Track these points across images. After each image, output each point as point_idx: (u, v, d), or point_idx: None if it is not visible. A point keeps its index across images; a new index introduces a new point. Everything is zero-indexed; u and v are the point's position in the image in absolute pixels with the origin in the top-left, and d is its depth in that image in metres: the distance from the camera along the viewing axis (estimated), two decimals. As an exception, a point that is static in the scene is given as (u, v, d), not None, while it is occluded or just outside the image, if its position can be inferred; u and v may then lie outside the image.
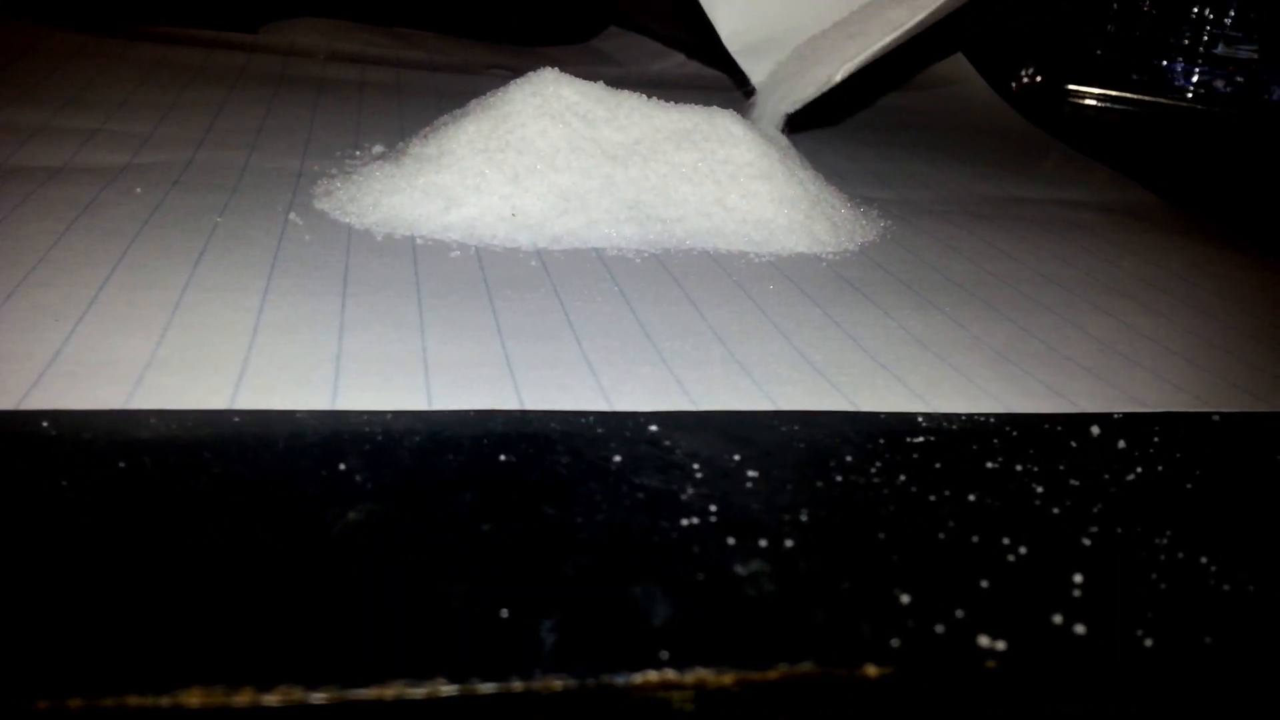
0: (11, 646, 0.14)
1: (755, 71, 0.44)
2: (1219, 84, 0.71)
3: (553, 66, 0.36)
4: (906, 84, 0.65)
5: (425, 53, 0.60)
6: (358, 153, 0.39)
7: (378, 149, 0.39)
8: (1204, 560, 0.19)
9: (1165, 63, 0.73)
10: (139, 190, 0.33)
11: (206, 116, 0.42)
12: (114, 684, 0.14)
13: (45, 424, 0.19)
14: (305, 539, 0.17)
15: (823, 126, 0.39)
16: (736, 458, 0.21)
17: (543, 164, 0.33)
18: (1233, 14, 0.72)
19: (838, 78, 0.36)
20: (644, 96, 0.36)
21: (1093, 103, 0.69)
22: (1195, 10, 0.73)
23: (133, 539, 0.17)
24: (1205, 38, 0.72)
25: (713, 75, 0.61)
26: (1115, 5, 0.74)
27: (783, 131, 0.39)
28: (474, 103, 0.37)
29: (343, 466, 0.19)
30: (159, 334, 0.23)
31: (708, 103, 0.37)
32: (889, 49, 0.38)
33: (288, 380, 0.22)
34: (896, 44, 0.38)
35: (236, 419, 0.20)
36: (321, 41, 0.59)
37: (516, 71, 0.37)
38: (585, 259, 0.32)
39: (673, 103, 0.37)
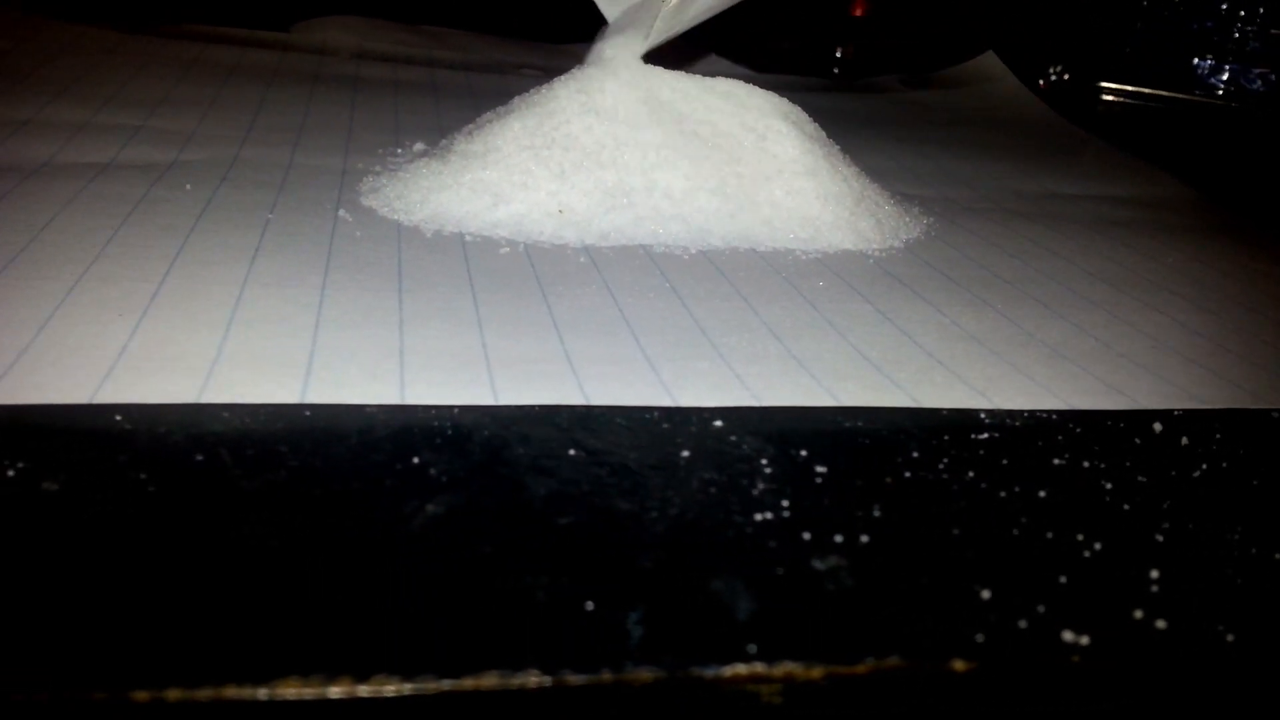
0: (108, 639, 0.14)
1: (611, 12, 0.43)
2: (1249, 81, 0.71)
3: (590, 64, 0.36)
4: (940, 82, 0.65)
5: (456, 51, 0.60)
6: (399, 150, 0.40)
7: (419, 146, 0.39)
8: (1278, 556, 0.19)
9: (1195, 60, 0.72)
10: (188, 186, 0.33)
11: (247, 114, 0.42)
12: (211, 675, 0.14)
13: (119, 418, 0.20)
14: (388, 531, 0.17)
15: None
16: (804, 453, 0.21)
17: (589, 161, 0.34)
18: (1263, 11, 0.72)
19: (671, 2, 0.35)
20: (687, 93, 0.36)
21: (1122, 100, 0.69)
22: (1225, 7, 0.72)
23: (220, 532, 0.17)
24: (1236, 35, 0.71)
25: (742, 71, 0.61)
26: (1145, 3, 0.73)
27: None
28: (518, 99, 0.37)
29: (416, 460, 0.19)
30: (224, 328, 0.23)
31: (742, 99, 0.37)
32: None
33: (354, 374, 0.22)
34: None
35: (309, 413, 0.20)
36: (353, 40, 0.59)
37: (547, 70, 0.37)
38: (634, 255, 0.32)
39: (715, 99, 0.37)
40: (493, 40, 0.65)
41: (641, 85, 0.36)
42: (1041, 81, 0.70)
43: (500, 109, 0.37)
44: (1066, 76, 0.71)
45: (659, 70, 0.36)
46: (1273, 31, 0.70)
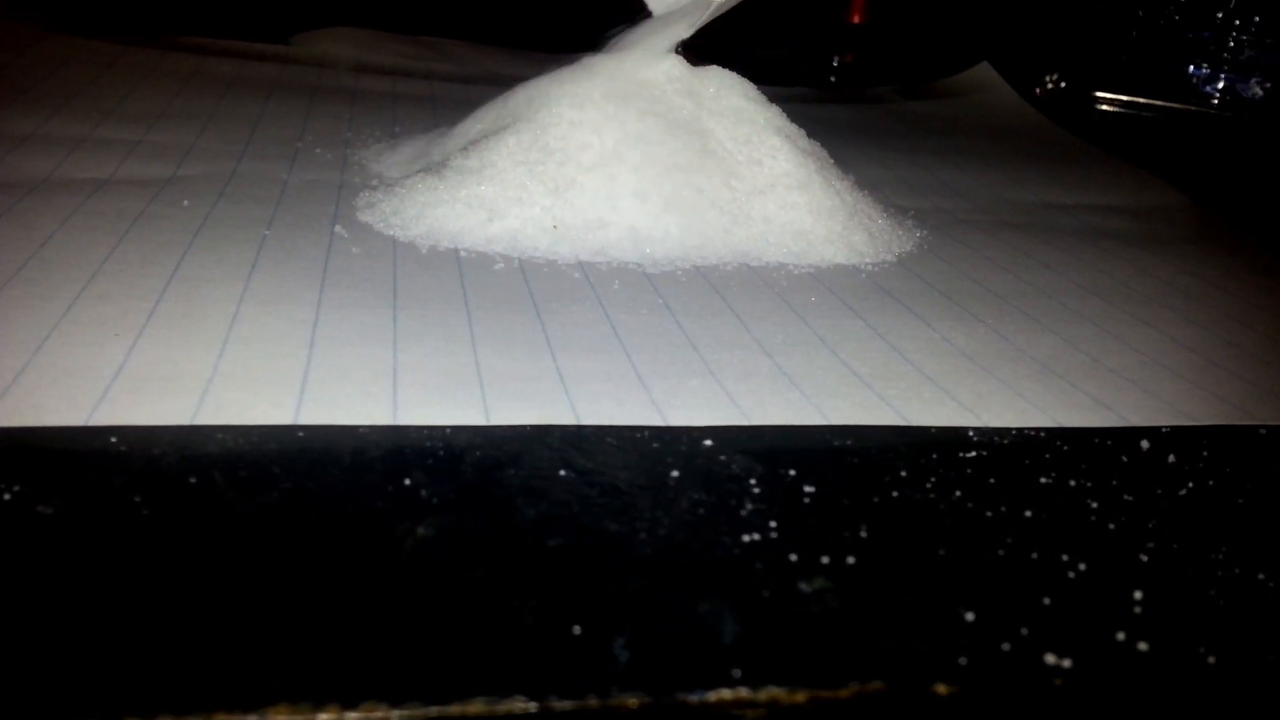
0: (98, 665, 0.14)
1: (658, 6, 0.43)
2: (1245, 90, 0.71)
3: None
4: (935, 93, 0.65)
5: (454, 64, 0.60)
6: (393, 168, 0.40)
7: (409, 151, 0.39)
8: (1261, 576, 0.20)
9: (1191, 69, 0.73)
10: (186, 203, 0.33)
11: (245, 128, 0.43)
12: (201, 702, 0.14)
13: (114, 440, 0.20)
14: (379, 555, 0.17)
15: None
16: (792, 472, 0.21)
17: (583, 176, 0.34)
18: (1258, 19, 0.72)
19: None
20: (682, 108, 0.36)
21: (1118, 109, 0.69)
22: (1220, 16, 0.73)
23: (212, 556, 0.17)
24: (1231, 44, 0.71)
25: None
26: (1140, 12, 0.74)
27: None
28: (514, 112, 0.37)
29: (408, 482, 0.20)
30: (219, 348, 0.24)
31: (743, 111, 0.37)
32: None
33: (348, 394, 0.22)
34: None
35: (302, 434, 0.21)
36: (352, 52, 0.59)
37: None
38: (627, 271, 0.32)
39: (710, 113, 0.37)
40: (490, 51, 0.65)
41: (636, 100, 0.36)
42: (1038, 90, 0.70)
43: (495, 122, 0.37)
44: (1063, 85, 0.71)
45: (655, 79, 0.37)
46: (1268, 40, 0.71)
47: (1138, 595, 0.19)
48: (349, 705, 0.14)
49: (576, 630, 0.16)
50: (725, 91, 0.38)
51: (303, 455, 0.20)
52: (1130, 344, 0.30)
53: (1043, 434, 0.24)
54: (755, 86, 0.38)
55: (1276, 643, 0.18)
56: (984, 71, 0.67)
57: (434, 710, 0.14)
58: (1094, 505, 0.21)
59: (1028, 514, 0.21)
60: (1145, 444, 0.24)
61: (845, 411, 0.24)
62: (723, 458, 0.22)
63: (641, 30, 0.39)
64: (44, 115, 0.41)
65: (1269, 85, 0.70)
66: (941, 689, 0.16)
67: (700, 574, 0.18)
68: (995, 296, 0.33)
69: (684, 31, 0.37)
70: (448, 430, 0.21)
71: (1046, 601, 0.18)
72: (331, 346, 0.24)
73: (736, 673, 0.16)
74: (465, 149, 0.36)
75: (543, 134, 0.35)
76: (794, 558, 0.19)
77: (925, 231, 0.39)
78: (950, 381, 0.26)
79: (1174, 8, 0.73)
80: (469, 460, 0.21)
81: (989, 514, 0.21)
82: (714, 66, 0.38)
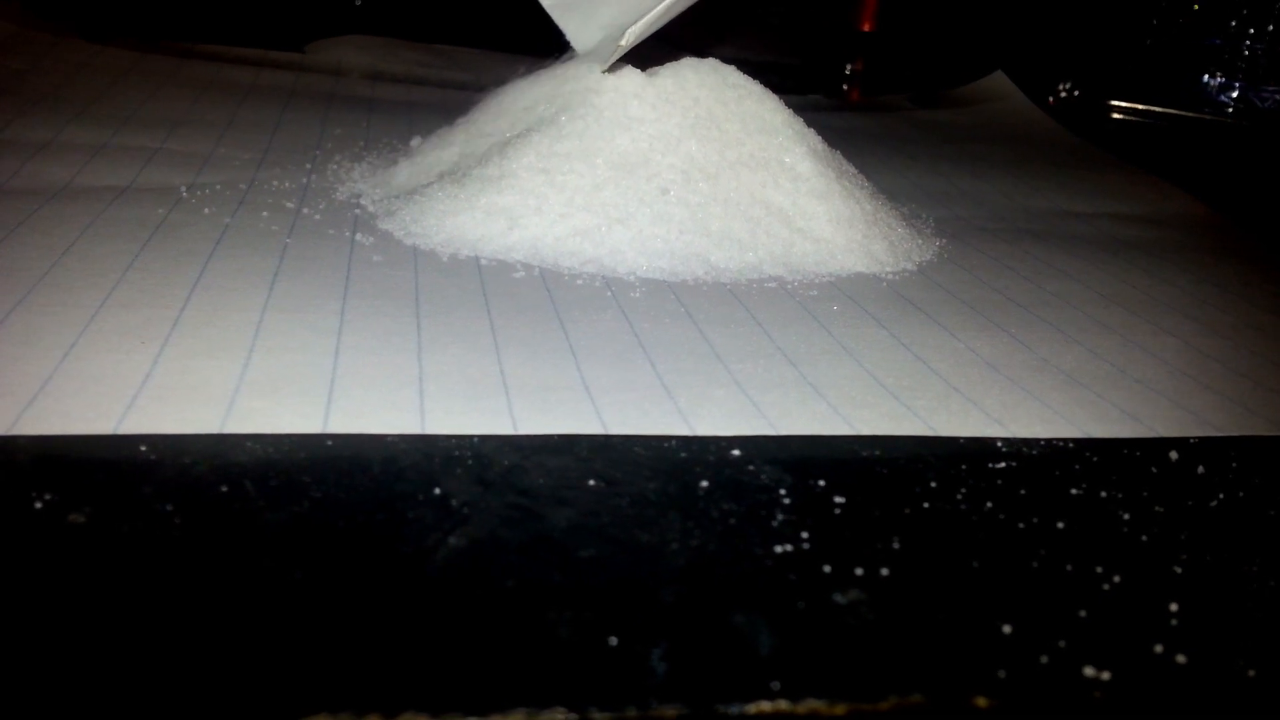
0: (132, 674, 0.14)
1: (573, 31, 0.42)
2: (1258, 98, 0.71)
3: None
4: (949, 101, 0.65)
5: (468, 71, 0.61)
6: (412, 176, 0.40)
7: (415, 140, 0.39)
8: (1297, 589, 0.19)
9: (1205, 77, 0.72)
10: (207, 210, 0.33)
11: (263, 136, 0.43)
12: (238, 713, 0.14)
13: (144, 448, 0.20)
14: (412, 564, 0.17)
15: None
16: (822, 483, 0.21)
17: (603, 184, 0.34)
18: (1272, 28, 0.72)
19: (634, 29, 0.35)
20: (702, 114, 0.36)
21: (1132, 118, 0.69)
22: (1234, 24, 0.72)
23: (245, 565, 0.17)
24: (1245, 52, 0.71)
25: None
26: (1154, 20, 0.74)
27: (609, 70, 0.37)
28: (533, 122, 0.37)
29: (438, 491, 0.19)
30: (245, 356, 0.24)
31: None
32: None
33: (375, 402, 0.22)
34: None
35: (330, 443, 0.21)
36: (367, 59, 0.59)
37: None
38: (648, 279, 0.32)
39: (729, 121, 0.37)
40: (504, 58, 0.65)
41: (657, 108, 0.36)
42: (1051, 99, 0.70)
43: (509, 117, 0.37)
44: (1076, 93, 0.71)
45: (673, 90, 0.37)
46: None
47: (1174, 607, 0.18)
48: (389, 715, 0.14)
49: (613, 641, 0.16)
50: (745, 98, 0.38)
51: (333, 464, 0.20)
52: (1154, 354, 0.30)
53: (1071, 445, 0.24)
54: (775, 94, 0.38)
55: (1316, 656, 0.17)
56: (998, 80, 0.67)
57: (474, 722, 0.14)
58: (1126, 517, 0.21)
59: (1060, 525, 0.21)
60: (1174, 455, 0.24)
61: (872, 422, 0.24)
62: (751, 468, 0.22)
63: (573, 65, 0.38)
64: (63, 122, 0.41)
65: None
66: (981, 702, 0.16)
67: (734, 585, 0.18)
68: (1017, 306, 0.33)
69: (603, 64, 0.36)
70: (476, 439, 0.21)
71: (1083, 614, 0.18)
72: (356, 355, 0.24)
73: (775, 684, 0.15)
74: (484, 157, 0.36)
75: (561, 141, 0.35)
76: (828, 569, 0.18)
77: (944, 240, 0.39)
78: (977, 392, 0.26)
79: (1188, 15, 0.73)
80: (498, 469, 0.20)
81: (1021, 525, 0.21)
82: (733, 71, 0.38)
